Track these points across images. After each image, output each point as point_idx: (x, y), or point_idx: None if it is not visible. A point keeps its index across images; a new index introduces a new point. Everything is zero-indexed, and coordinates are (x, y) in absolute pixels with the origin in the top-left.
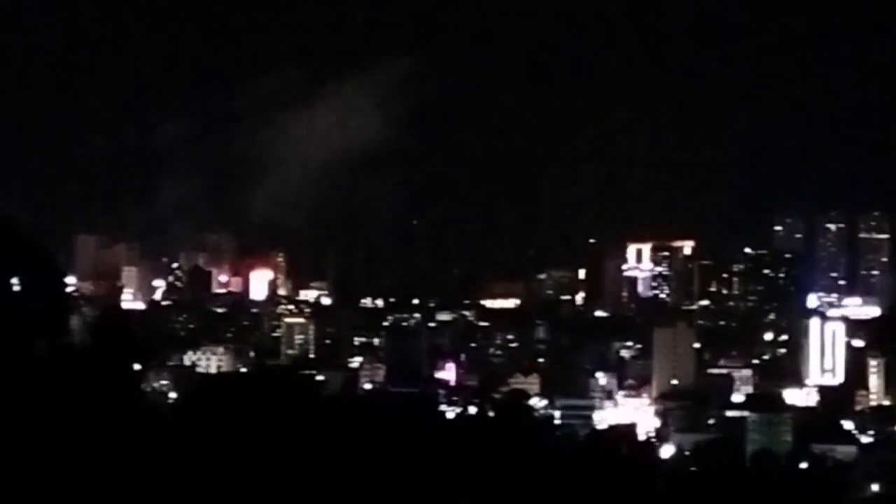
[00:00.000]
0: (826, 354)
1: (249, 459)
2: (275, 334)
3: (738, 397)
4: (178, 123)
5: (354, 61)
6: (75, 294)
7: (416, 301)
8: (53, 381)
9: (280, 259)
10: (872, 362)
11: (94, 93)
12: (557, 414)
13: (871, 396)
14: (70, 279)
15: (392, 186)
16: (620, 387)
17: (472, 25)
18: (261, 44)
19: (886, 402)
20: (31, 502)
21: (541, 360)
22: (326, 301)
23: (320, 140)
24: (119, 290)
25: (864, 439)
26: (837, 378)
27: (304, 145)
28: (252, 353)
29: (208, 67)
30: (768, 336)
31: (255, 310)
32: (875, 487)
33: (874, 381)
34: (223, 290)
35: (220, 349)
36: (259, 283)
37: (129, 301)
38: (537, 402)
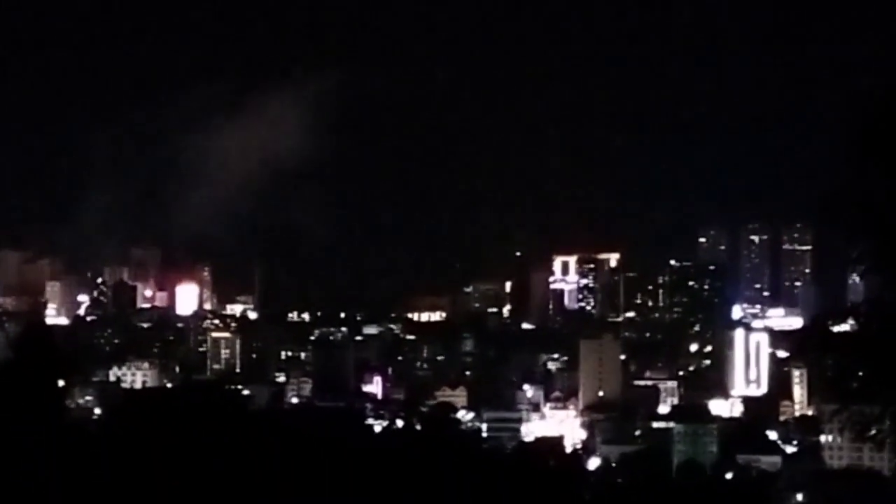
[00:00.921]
0: (750, 365)
1: (175, 474)
2: (201, 349)
3: (664, 408)
4: (101, 137)
5: (281, 73)
6: None
7: (342, 315)
8: None
9: (206, 273)
10: (796, 373)
11: (17, 107)
12: (484, 427)
13: (795, 406)
14: None
15: (318, 200)
16: (547, 399)
17: (401, 35)
18: (185, 56)
19: (810, 412)
20: None
21: (468, 372)
22: (253, 315)
23: (246, 153)
24: (43, 306)
25: (789, 449)
26: (762, 389)
27: (230, 158)
28: (178, 368)
29: (133, 80)
30: (693, 347)
31: (180, 324)
32: (799, 497)
33: (798, 391)
34: (148, 305)
35: (146, 364)
36: (184, 297)
37: (53, 316)
38: (464, 415)
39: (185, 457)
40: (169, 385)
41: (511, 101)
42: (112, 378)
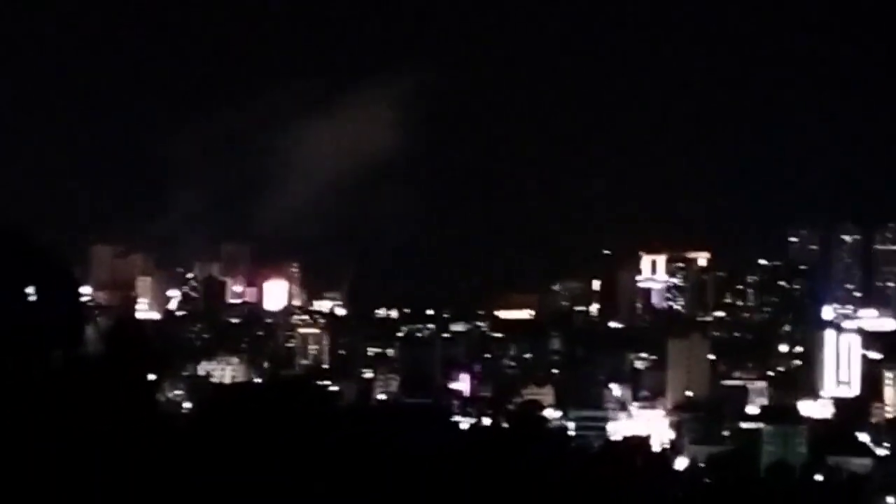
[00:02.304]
0: (841, 366)
1: (264, 469)
2: (289, 344)
3: (752, 409)
4: (193, 134)
5: (370, 72)
6: (90, 304)
7: (430, 312)
8: (69, 391)
9: (294, 269)
10: (888, 374)
11: (111, 104)
12: (572, 425)
13: (887, 408)
14: (85, 289)
15: (407, 197)
16: (635, 398)
17: (484, 37)
18: (276, 53)
19: None
20: None
21: (555, 371)
22: (340, 311)
23: (335, 150)
24: (134, 300)
25: (880, 451)
26: (853, 390)
27: (319, 156)
28: (266, 364)
29: (224, 77)
30: (783, 348)
31: (269, 320)
32: (890, 500)
33: (889, 393)
34: (238, 301)
35: (235, 359)
36: (273, 293)
37: (144, 311)
38: (551, 414)
39: (273, 452)
40: (257, 380)
41: (600, 96)
42: (201, 373)
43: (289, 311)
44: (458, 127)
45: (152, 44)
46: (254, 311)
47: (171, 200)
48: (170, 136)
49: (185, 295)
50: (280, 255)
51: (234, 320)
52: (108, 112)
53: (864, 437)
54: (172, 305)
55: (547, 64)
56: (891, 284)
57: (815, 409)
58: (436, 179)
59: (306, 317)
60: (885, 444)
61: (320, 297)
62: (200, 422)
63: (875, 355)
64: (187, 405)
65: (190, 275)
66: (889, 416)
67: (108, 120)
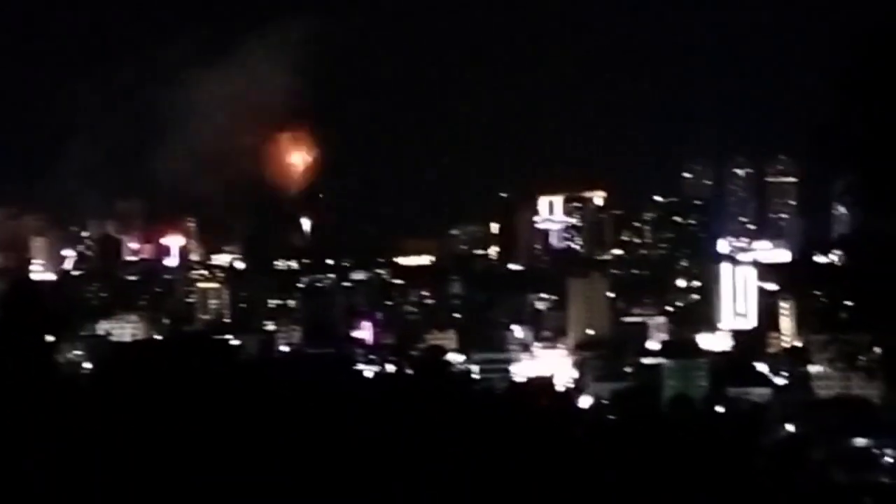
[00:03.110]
0: (738, 299)
1: (167, 426)
2: (188, 300)
3: (653, 344)
4: (82, 91)
5: (260, 23)
6: None
7: (330, 261)
8: None
9: (191, 224)
10: (784, 305)
11: None
12: (476, 368)
13: (784, 338)
14: None
15: (303, 147)
16: (537, 339)
17: None
18: (165, 4)
19: (799, 344)
20: None
21: (457, 315)
22: (240, 265)
23: (229, 104)
24: (28, 262)
25: (778, 381)
26: (750, 322)
27: (213, 109)
28: (166, 320)
29: (113, 32)
30: (681, 283)
31: (167, 276)
32: (790, 427)
33: (786, 323)
34: (134, 258)
35: (134, 317)
36: (171, 249)
37: (40, 272)
38: (455, 358)
39: (176, 408)
40: (158, 337)
41: (493, 42)
42: (101, 332)
43: (187, 266)
44: (353, 75)
45: (40, 3)
46: (151, 268)
47: (62, 158)
48: (60, 91)
49: (80, 254)
50: (176, 211)
51: (132, 278)
52: None
53: (762, 368)
54: (68, 265)
55: (437, 7)
56: (784, 216)
57: (714, 341)
58: (332, 128)
59: (205, 271)
60: (783, 374)
61: (219, 252)
62: (101, 381)
63: (771, 286)
64: (87, 365)
65: (85, 233)
66: (786, 345)
67: None
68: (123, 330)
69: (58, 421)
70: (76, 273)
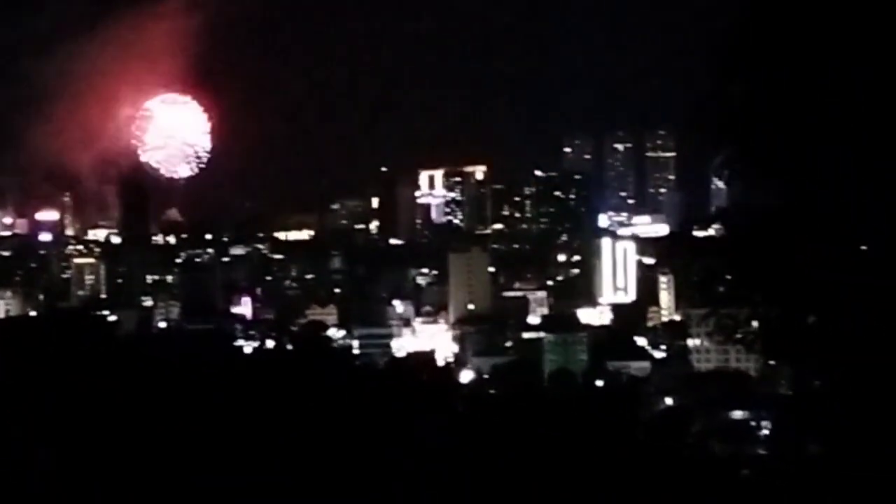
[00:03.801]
0: (618, 273)
1: (42, 402)
2: (64, 276)
3: (534, 319)
4: None
5: None
6: None
7: (208, 236)
8: None
9: (66, 199)
10: (662, 279)
11: None
12: (356, 343)
13: (663, 312)
14: None
15: (180, 120)
16: (418, 314)
17: None
18: None
19: (677, 318)
20: None
21: (337, 290)
22: (116, 240)
23: (104, 73)
24: None
25: (658, 354)
26: (630, 296)
27: (87, 79)
28: (42, 296)
29: None
30: (561, 257)
31: (42, 251)
32: (669, 400)
33: (665, 297)
34: (8, 233)
35: (9, 293)
36: (45, 224)
37: None
38: (335, 333)
39: (52, 384)
40: (33, 313)
41: (376, 14)
42: None
43: (62, 241)
44: (231, 47)
45: None
46: (26, 243)
47: None
48: None
49: None
50: (51, 185)
51: (6, 253)
52: None
53: (642, 341)
54: None
55: None
56: (662, 191)
57: (594, 316)
58: (210, 97)
59: (81, 247)
60: (663, 347)
61: (95, 227)
62: None
63: (649, 261)
64: None
65: None
66: (665, 319)
67: None
68: None
69: None
70: None
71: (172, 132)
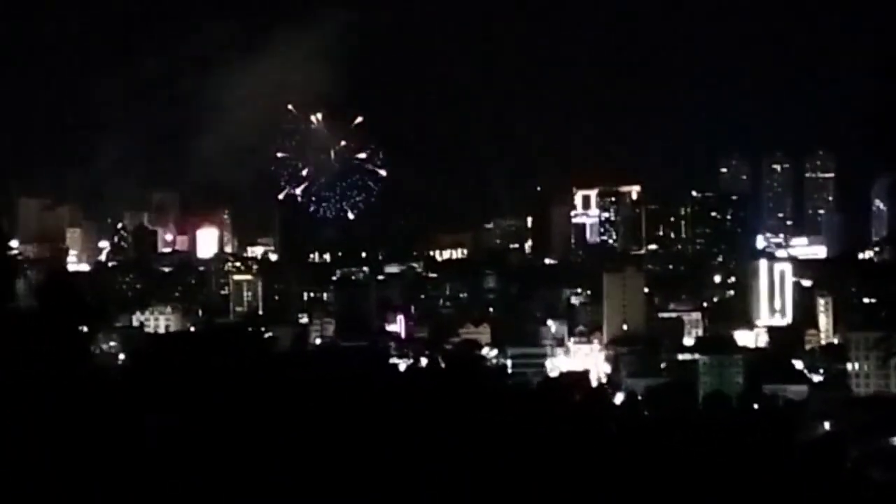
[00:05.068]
0: (775, 295)
1: (200, 418)
2: (223, 292)
3: (688, 340)
4: (117, 82)
5: (297, 14)
6: (19, 258)
7: (364, 254)
8: (1, 347)
9: (226, 216)
10: (821, 301)
11: (28, 55)
12: (509, 363)
13: (821, 335)
14: (13, 243)
15: (338, 141)
16: (571, 334)
17: None
18: None
19: (836, 341)
20: None
21: (491, 309)
22: (274, 257)
23: (263, 95)
24: (64, 253)
25: (815, 378)
26: (787, 318)
27: (247, 101)
28: (200, 312)
29: (144, 23)
30: (717, 279)
31: (202, 268)
32: (827, 425)
33: (823, 319)
34: (169, 250)
35: (168, 309)
36: (205, 240)
37: (74, 263)
38: (489, 352)
39: (211, 400)
40: (193, 329)
41: (532, 36)
42: (135, 323)
43: (221, 258)
44: (390, 70)
45: None
46: (186, 260)
47: (98, 150)
48: (93, 85)
49: (115, 245)
50: (211, 202)
51: (167, 269)
52: (25, 65)
53: (799, 365)
54: (103, 256)
55: (477, 10)
56: (821, 212)
57: (750, 338)
58: (367, 121)
59: (239, 263)
60: (820, 371)
61: (253, 244)
62: (135, 372)
63: (807, 283)
64: (122, 357)
65: (119, 225)
66: (823, 342)
67: (26, 73)
68: (158, 321)
69: (91, 412)
70: (111, 264)
71: (331, 150)
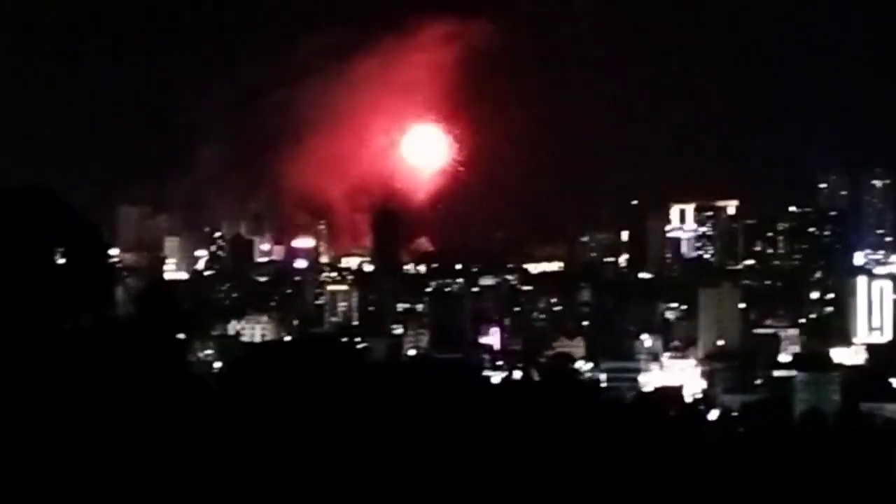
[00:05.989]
0: (874, 312)
1: (295, 427)
2: (318, 302)
3: (785, 357)
4: (215, 90)
5: (394, 22)
6: (119, 266)
7: (458, 266)
8: (100, 354)
9: (322, 226)
10: None
11: (129, 64)
12: (603, 377)
13: None
14: (113, 251)
15: (428, 150)
16: (666, 348)
17: None
18: (297, 5)
19: None
20: (80, 472)
21: (585, 322)
22: (369, 268)
23: (359, 102)
24: (162, 261)
25: None
26: (886, 336)
27: (341, 108)
28: (295, 322)
29: (244, 31)
30: (815, 295)
31: (297, 278)
32: None
33: None
34: (265, 259)
35: (264, 318)
36: (301, 251)
37: (173, 271)
38: (583, 366)
39: (306, 410)
40: (288, 338)
41: (624, 42)
42: (231, 332)
43: (316, 268)
44: (482, 78)
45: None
46: (282, 269)
47: (196, 159)
48: (192, 92)
49: (212, 254)
50: (307, 212)
51: (263, 279)
52: (127, 72)
53: None
54: (200, 265)
55: (563, 18)
56: None
57: (848, 355)
58: (462, 130)
59: (334, 274)
60: None
61: (348, 254)
62: (231, 381)
63: None
64: (217, 364)
65: (217, 234)
66: None
67: (128, 80)
68: (254, 330)
69: (188, 419)
70: (208, 273)
71: (424, 162)
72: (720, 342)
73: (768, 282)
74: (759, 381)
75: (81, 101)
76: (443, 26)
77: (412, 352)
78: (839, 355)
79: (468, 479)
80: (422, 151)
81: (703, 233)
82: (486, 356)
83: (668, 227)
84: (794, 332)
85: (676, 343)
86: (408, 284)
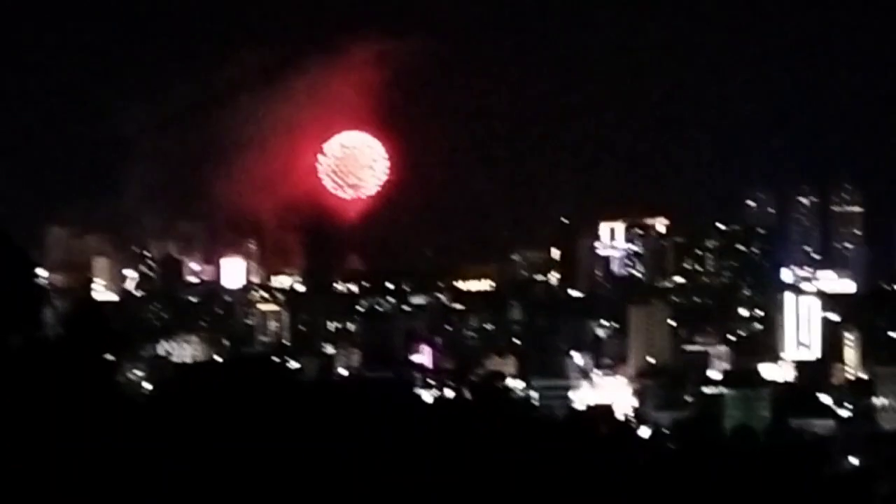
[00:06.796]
0: (802, 329)
1: (225, 448)
2: (248, 322)
3: (714, 374)
4: (143, 110)
5: (324, 41)
6: (47, 286)
7: (390, 285)
8: (27, 374)
9: (252, 246)
10: (848, 336)
11: (55, 82)
12: (535, 395)
13: (848, 370)
14: (41, 271)
15: (358, 168)
16: (597, 366)
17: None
18: (224, 26)
19: (863, 376)
20: (5, 494)
21: (516, 341)
22: (300, 287)
23: (286, 120)
24: (90, 282)
25: (843, 413)
26: (814, 352)
27: (272, 128)
28: (226, 342)
29: (171, 51)
30: (743, 312)
31: (228, 298)
32: (854, 461)
33: (850, 354)
34: (195, 279)
35: (194, 338)
36: (231, 270)
37: (101, 292)
38: (514, 384)
39: (236, 430)
40: (218, 358)
41: (554, 62)
42: (161, 352)
43: (247, 288)
44: (411, 96)
45: (96, 19)
46: (212, 289)
47: (124, 179)
48: (119, 113)
49: (142, 275)
50: (236, 232)
51: (193, 299)
52: (52, 91)
53: (826, 399)
54: (130, 285)
55: (501, 32)
56: (849, 246)
57: (777, 372)
58: (392, 149)
59: (265, 293)
60: (847, 406)
61: (279, 273)
62: (161, 401)
63: (835, 317)
64: (147, 385)
65: (146, 254)
66: (850, 377)
67: (54, 99)
68: (184, 351)
69: (117, 440)
70: (138, 293)
71: (354, 177)
72: (650, 359)
73: (697, 299)
74: (689, 398)
75: (7, 120)
76: (373, 45)
77: (344, 371)
78: (768, 372)
79: (401, 499)
80: (351, 170)
81: (633, 250)
82: (418, 375)
83: (598, 245)
84: (723, 348)
85: (607, 360)
86: (339, 303)
